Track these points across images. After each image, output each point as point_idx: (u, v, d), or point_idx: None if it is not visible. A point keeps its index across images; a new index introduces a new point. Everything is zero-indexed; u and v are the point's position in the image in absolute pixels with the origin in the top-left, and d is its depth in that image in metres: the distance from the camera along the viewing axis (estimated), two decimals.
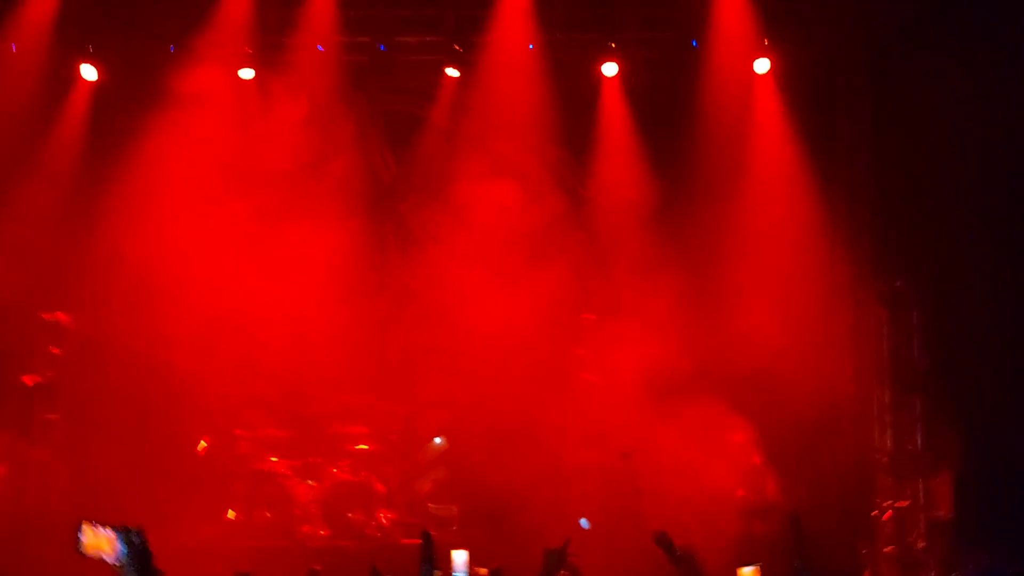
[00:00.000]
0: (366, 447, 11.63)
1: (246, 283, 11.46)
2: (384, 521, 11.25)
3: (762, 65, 12.13)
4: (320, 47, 12.05)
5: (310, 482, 11.48)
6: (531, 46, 12.08)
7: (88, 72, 12.04)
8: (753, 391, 11.15)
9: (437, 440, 11.96)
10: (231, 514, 11.38)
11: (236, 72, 12.14)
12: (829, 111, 12.25)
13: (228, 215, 11.63)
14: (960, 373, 10.70)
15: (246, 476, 11.51)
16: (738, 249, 11.70)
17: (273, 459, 11.64)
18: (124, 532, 3.06)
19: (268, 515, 11.32)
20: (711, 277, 11.75)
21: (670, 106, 12.26)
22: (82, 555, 3.19)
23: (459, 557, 7.26)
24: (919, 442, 11.51)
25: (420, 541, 10.35)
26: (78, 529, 3.21)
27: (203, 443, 11.71)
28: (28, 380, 11.40)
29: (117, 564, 3.07)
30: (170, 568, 7.97)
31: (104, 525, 3.13)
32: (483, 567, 7.00)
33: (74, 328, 11.71)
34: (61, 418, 11.60)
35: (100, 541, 3.14)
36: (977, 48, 10.09)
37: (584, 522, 11.15)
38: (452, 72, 12.45)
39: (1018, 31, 10.04)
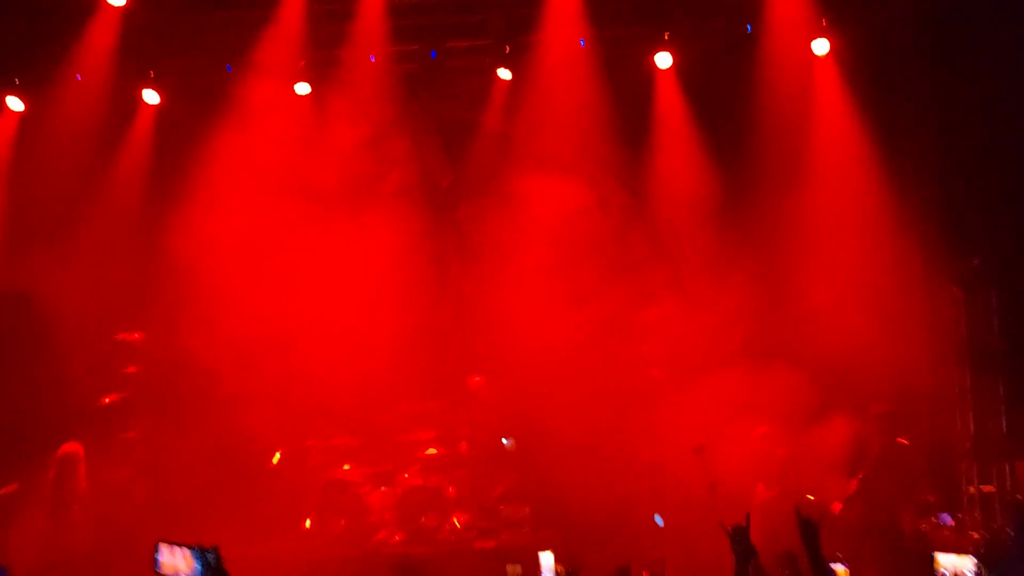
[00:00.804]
0: (435, 451, 11.67)
1: (311, 295, 11.61)
2: (457, 525, 11.27)
3: (821, 46, 11.85)
4: (372, 57, 12.12)
5: (383, 489, 11.55)
6: (582, 43, 11.98)
7: (150, 96, 12.33)
8: (829, 379, 10.89)
9: (506, 441, 11.95)
10: (307, 524, 11.51)
11: (292, 87, 12.29)
12: (889, 89, 11.92)
13: (290, 229, 11.78)
14: None
15: (320, 486, 11.63)
16: (806, 236, 11.43)
17: (346, 467, 11.75)
18: (200, 551, 3.09)
19: (343, 523, 11.42)
20: (780, 267, 11.51)
21: (727, 94, 12.06)
22: (160, 575, 3.24)
23: (546, 559, 7.27)
24: (1003, 425, 11.16)
25: (493, 544, 10.45)
26: (155, 549, 3.23)
27: (278, 455, 11.86)
28: (106, 400, 11.68)
29: None
30: None
31: (180, 544, 3.16)
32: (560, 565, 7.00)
33: (148, 347, 12.00)
34: (139, 436, 11.88)
35: (177, 560, 3.18)
36: None
37: (658, 518, 11.02)
38: (504, 74, 12.42)
39: None
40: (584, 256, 11.58)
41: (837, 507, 10.34)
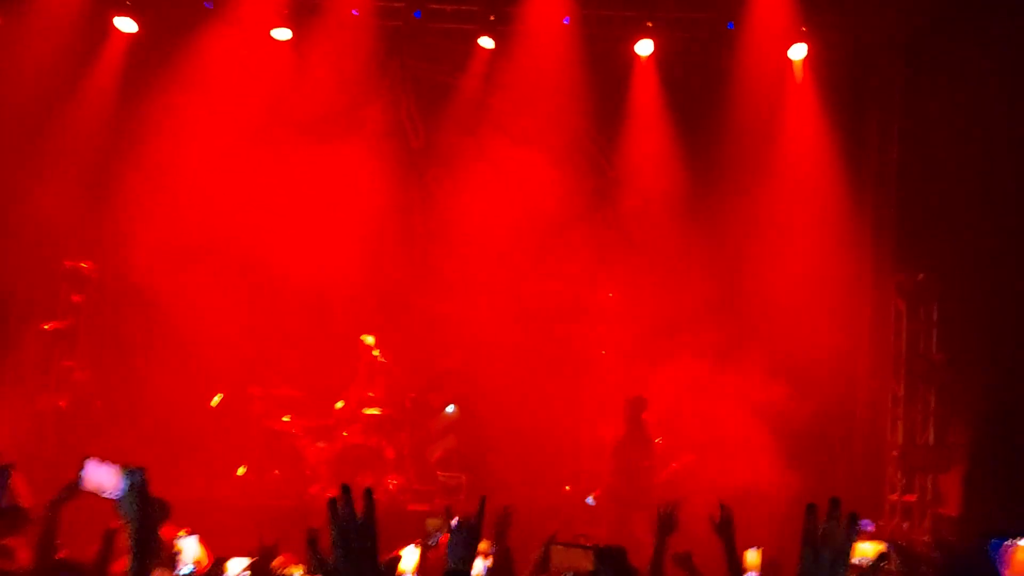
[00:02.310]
0: (379, 412, 11.66)
1: (268, 240, 11.48)
2: (392, 486, 11.29)
3: (798, 51, 12.06)
4: (355, 11, 12.01)
5: (320, 444, 11.50)
6: (566, 20, 12.02)
7: (124, 25, 12.05)
8: (772, 376, 11.13)
9: (449, 408, 11.99)
10: (241, 470, 11.45)
11: (270, 32, 12.12)
12: (860, 100, 12.21)
13: (251, 170, 11.65)
14: (975, 369, 10.69)
15: (258, 434, 11.55)
16: (765, 235, 11.70)
17: (285, 419, 11.69)
18: (127, 470, 3.09)
19: (277, 473, 11.37)
20: (738, 261, 11.75)
21: (703, 88, 12.23)
22: (82, 490, 3.22)
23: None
24: (930, 437, 11.52)
25: (426, 508, 10.50)
26: (81, 464, 3.22)
27: (218, 397, 11.75)
28: (48, 327, 11.45)
29: (117, 499, 3.09)
30: (183, 519, 8.08)
31: (108, 462, 3.16)
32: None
33: (96, 276, 11.78)
34: (79, 365, 11.67)
35: (103, 477, 3.18)
36: (1008, 42, 10.02)
37: (590, 499, 11.18)
38: (486, 42, 12.40)
39: None
40: (548, 231, 11.65)
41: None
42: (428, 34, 12.54)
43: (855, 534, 2.45)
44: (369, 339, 11.72)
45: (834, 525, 2.39)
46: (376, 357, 11.70)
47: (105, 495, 3.19)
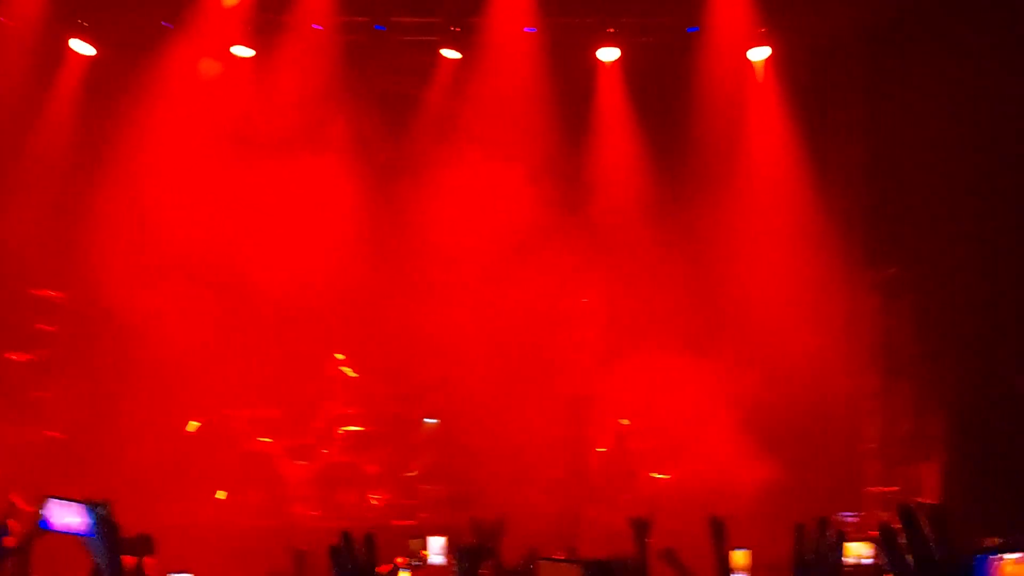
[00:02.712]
0: (358, 428, 11.59)
1: (240, 259, 11.40)
2: (375, 502, 11.23)
3: (759, 53, 12.15)
4: (317, 26, 11.95)
5: (301, 463, 11.43)
6: (529, 29, 12.03)
7: (81, 47, 11.93)
8: (747, 374, 11.20)
9: (429, 421, 11.95)
10: (221, 494, 11.33)
11: (230, 49, 12.04)
12: (824, 100, 12.32)
13: (221, 190, 11.56)
14: (950, 360, 10.80)
15: (237, 456, 11.45)
16: (736, 236, 11.78)
17: (264, 440, 11.59)
18: (91, 505, 3.03)
19: (258, 495, 11.27)
20: (710, 263, 11.81)
21: (667, 92, 12.28)
22: (47, 531, 3.12)
23: (435, 543, 7.27)
24: (909, 428, 11.62)
25: (412, 523, 10.46)
26: (42, 505, 3.11)
27: (193, 424, 11.63)
28: (17, 357, 11.28)
29: (86, 537, 3.04)
30: (164, 546, 7.98)
31: (70, 500, 3.09)
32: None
33: (65, 305, 11.63)
34: (52, 396, 11.51)
35: (69, 516, 3.10)
36: (970, 38, 10.15)
37: None
38: (449, 54, 12.39)
39: (1011, 21, 10.10)
40: (519, 240, 11.63)
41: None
42: (391, 47, 12.50)
43: (841, 550, 2.46)
44: (339, 357, 11.66)
45: (823, 544, 2.40)
46: (347, 374, 11.64)
47: (72, 532, 3.13)
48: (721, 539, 4.79)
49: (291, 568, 7.53)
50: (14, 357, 11.32)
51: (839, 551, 2.43)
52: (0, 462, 10.50)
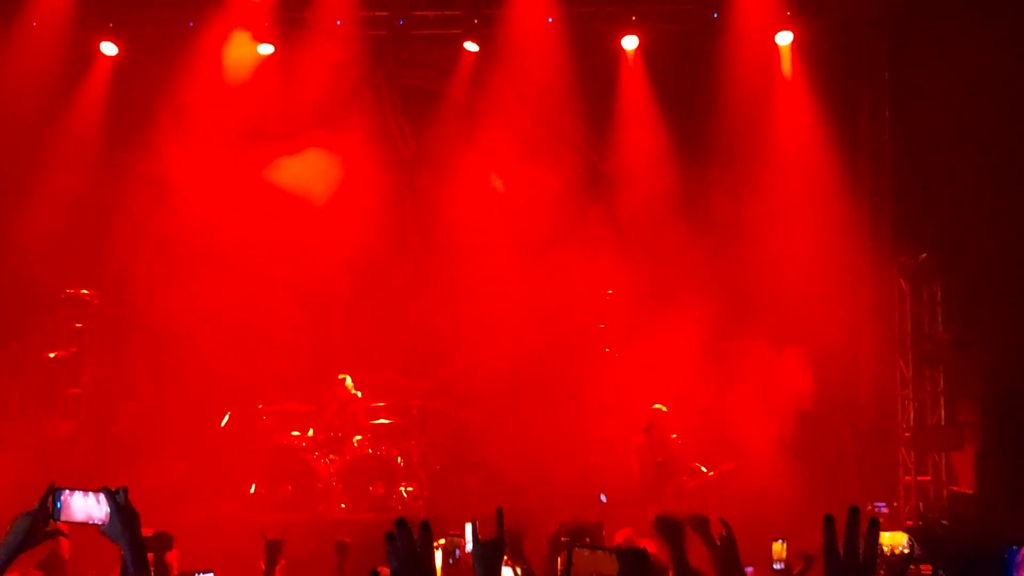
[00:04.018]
0: (386, 421, 11.64)
1: (266, 256, 11.50)
2: (404, 494, 11.27)
3: (784, 37, 12.01)
4: (339, 21, 12.00)
5: (331, 456, 11.49)
6: (550, 19, 11.98)
7: (108, 48, 12.08)
8: (777, 365, 11.08)
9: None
10: (252, 489, 11.43)
11: (255, 47, 12.13)
12: (850, 82, 12.14)
13: (247, 187, 11.66)
14: (981, 346, 10.63)
15: (268, 450, 11.54)
16: (763, 224, 11.62)
17: (295, 433, 11.67)
18: (109, 492, 2.99)
19: (289, 488, 11.34)
20: (733, 251, 11.68)
21: (691, 79, 12.17)
22: (67, 523, 3.04)
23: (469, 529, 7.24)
24: (941, 416, 11.46)
25: (439, 513, 10.48)
26: (52, 497, 2.98)
27: (227, 416, 11.74)
28: (52, 354, 11.48)
29: (105, 525, 3.00)
30: (194, 540, 8.08)
31: (86, 490, 3.02)
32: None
33: (97, 303, 11.80)
34: (84, 392, 11.69)
35: (89, 506, 3.04)
36: (997, 18, 9.96)
37: (603, 496, 11.15)
38: (470, 46, 12.38)
39: None
40: (543, 232, 11.60)
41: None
42: (413, 41, 12.52)
43: (877, 539, 2.37)
44: (346, 378, 11.64)
45: (854, 535, 2.32)
46: (353, 394, 11.63)
47: (91, 523, 3.07)
48: (678, 539, 4.67)
49: (334, 558, 7.63)
50: (50, 354, 11.52)
51: (874, 542, 2.33)
52: (34, 456, 10.72)
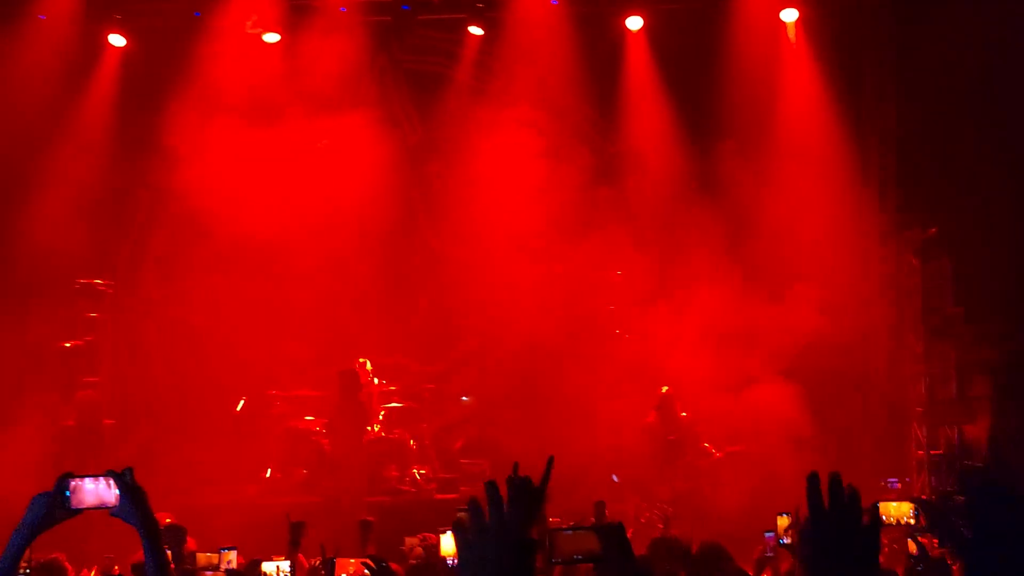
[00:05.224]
0: (399, 405, 11.72)
1: (277, 243, 11.55)
2: (417, 477, 11.35)
3: (789, 14, 11.97)
4: (343, 8, 12.02)
5: (345, 440, 11.55)
6: (555, 1, 11.98)
7: (116, 40, 12.15)
8: (789, 341, 11.09)
9: (465, 398, 12.05)
10: (268, 473, 11.54)
11: (260, 35, 12.17)
12: (855, 57, 12.11)
13: (256, 174, 11.71)
14: (993, 320, 10.61)
15: (282, 435, 11.64)
16: (770, 202, 11.60)
17: (308, 418, 11.77)
18: (117, 475, 3.05)
19: (304, 472, 11.45)
20: (742, 230, 11.68)
21: (696, 58, 12.14)
22: (77, 510, 3.08)
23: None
24: (953, 390, 11.46)
25: (454, 496, 10.56)
26: (62, 487, 3.00)
27: (242, 402, 11.85)
28: (67, 344, 11.60)
29: (117, 508, 3.06)
30: (210, 525, 8.18)
31: (95, 475, 3.08)
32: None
33: (111, 292, 11.91)
34: (99, 380, 11.82)
35: (100, 490, 3.10)
36: None
37: (614, 476, 11.21)
38: (475, 30, 12.38)
39: None
40: (552, 214, 11.63)
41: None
42: (417, 26, 12.54)
43: (859, 505, 2.35)
44: (366, 362, 11.71)
45: (837, 501, 2.29)
46: (370, 379, 11.69)
47: (101, 507, 3.14)
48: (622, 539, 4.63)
49: (359, 537, 7.75)
50: (64, 344, 11.63)
51: (854, 506, 2.31)
52: (52, 445, 10.86)
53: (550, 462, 2.87)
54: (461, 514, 2.46)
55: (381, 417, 11.62)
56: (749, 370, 10.94)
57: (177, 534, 7.05)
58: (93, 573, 7.33)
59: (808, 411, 10.76)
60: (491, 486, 2.31)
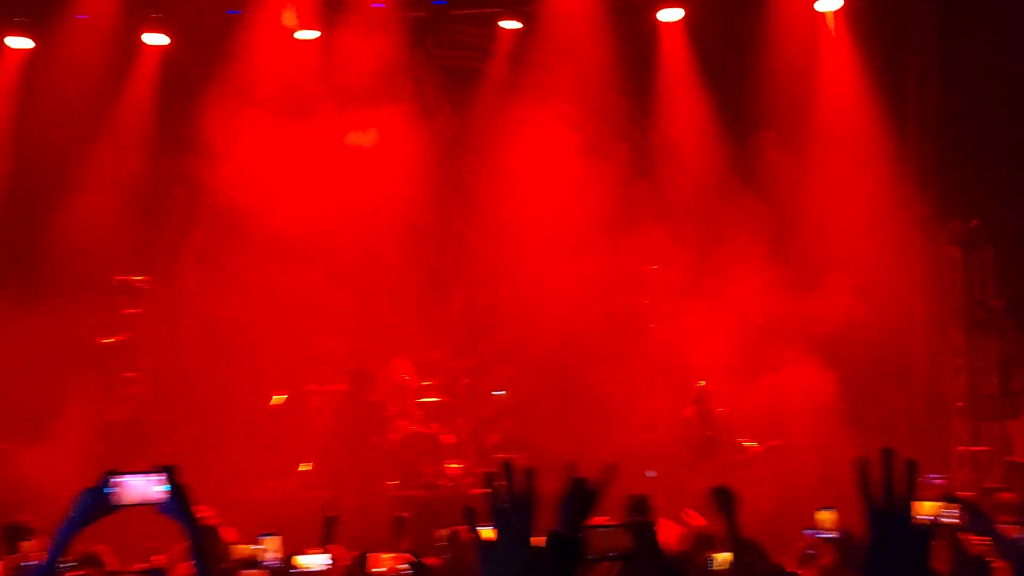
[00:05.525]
0: (435, 400, 11.75)
1: (311, 243, 11.63)
2: (453, 472, 11.37)
3: (829, 2, 11.83)
4: (378, 4, 12.05)
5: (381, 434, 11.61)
6: None
7: (154, 39, 12.27)
8: (828, 335, 10.98)
9: (499, 392, 12.05)
10: (305, 467, 11.61)
11: (295, 33, 12.23)
12: (897, 48, 11.93)
13: (291, 170, 11.79)
14: None
15: (319, 430, 11.70)
16: (809, 196, 11.49)
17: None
18: (162, 470, 3.07)
19: (340, 467, 11.49)
20: (782, 223, 11.57)
21: (734, 49, 12.04)
22: (121, 506, 3.10)
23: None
24: (995, 384, 11.28)
25: (488, 491, 10.57)
26: (104, 482, 3.02)
27: (278, 397, 11.93)
28: (107, 340, 11.75)
29: (160, 504, 3.08)
30: (248, 520, 8.24)
31: (139, 472, 3.09)
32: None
33: (149, 289, 12.05)
34: (139, 376, 11.96)
35: (144, 486, 3.12)
36: None
37: (650, 472, 11.16)
38: (509, 24, 12.36)
39: None
40: (587, 209, 11.58)
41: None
42: (452, 21, 12.55)
43: (916, 480, 2.21)
44: (401, 363, 11.72)
45: (890, 475, 2.15)
46: (407, 379, 11.71)
47: (147, 503, 3.16)
48: (729, 507, 4.65)
49: (392, 532, 7.79)
50: (102, 340, 11.79)
51: (912, 480, 2.17)
52: (94, 440, 11.01)
53: (611, 469, 2.88)
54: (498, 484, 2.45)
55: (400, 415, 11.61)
56: (785, 364, 10.84)
57: (212, 535, 7.07)
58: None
59: (839, 391, 10.66)
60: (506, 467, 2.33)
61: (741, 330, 11.01)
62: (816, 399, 10.78)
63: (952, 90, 11.49)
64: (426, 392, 11.83)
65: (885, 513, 2.18)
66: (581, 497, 2.75)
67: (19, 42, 11.95)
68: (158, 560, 7.16)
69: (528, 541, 2.38)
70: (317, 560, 6.15)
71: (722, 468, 10.72)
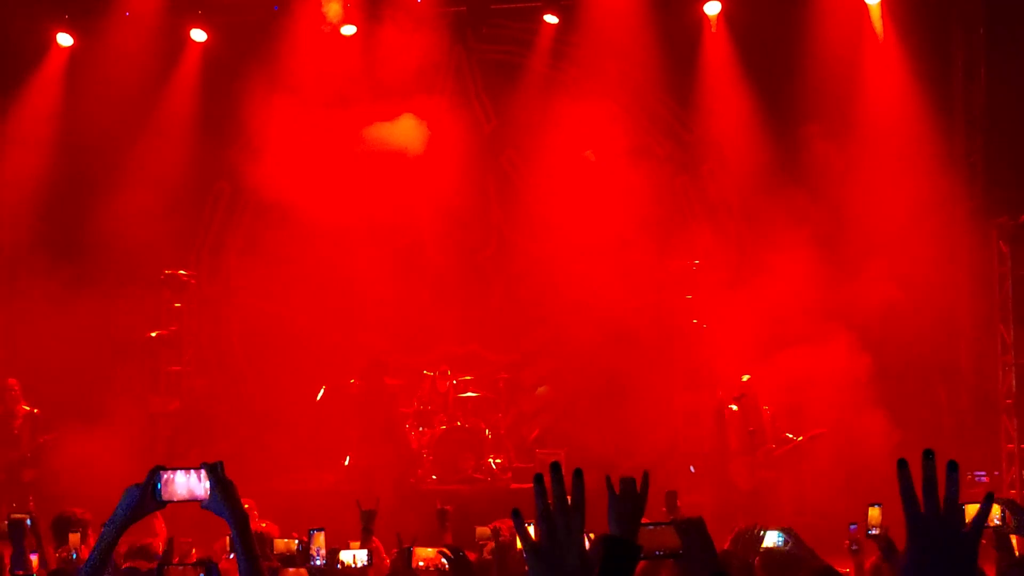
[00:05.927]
0: (475, 394, 11.78)
1: (355, 237, 11.70)
2: (493, 466, 11.40)
3: None
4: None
5: (421, 428, 11.68)
6: None
7: (198, 34, 12.41)
8: (872, 331, 10.85)
9: (541, 389, 12.06)
10: (347, 461, 11.69)
11: (338, 27, 12.29)
12: (943, 42, 11.73)
13: (333, 166, 11.86)
14: None
15: (360, 424, 11.77)
16: (855, 191, 11.34)
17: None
18: (209, 467, 3.08)
19: (382, 461, 11.56)
20: (826, 217, 11.43)
21: (777, 42, 11.91)
22: (169, 501, 3.11)
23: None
24: None
25: (527, 485, 10.59)
26: (153, 480, 3.02)
27: (322, 390, 12.01)
28: (154, 334, 11.91)
29: (206, 501, 3.09)
30: (290, 513, 8.31)
31: (186, 468, 3.10)
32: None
33: (194, 283, 12.19)
34: (185, 370, 12.12)
35: (191, 482, 3.13)
36: None
37: (692, 468, 11.12)
38: (550, 19, 12.33)
39: None
40: (628, 204, 11.53)
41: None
42: (492, 15, 12.54)
43: (956, 480, 2.16)
44: (442, 371, 11.75)
45: (931, 475, 2.10)
46: (448, 384, 11.73)
47: (193, 499, 3.18)
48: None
49: (436, 525, 7.82)
50: (149, 334, 11.95)
51: (954, 485, 2.12)
52: (141, 433, 11.18)
53: (646, 477, 2.86)
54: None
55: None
56: (828, 357, 10.72)
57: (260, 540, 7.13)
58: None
59: (885, 388, 10.54)
60: (555, 468, 2.30)
61: (784, 325, 10.90)
62: (860, 395, 10.67)
63: (1000, 82, 11.28)
64: (466, 387, 11.87)
65: (929, 519, 2.12)
66: (632, 499, 2.72)
67: (67, 39, 12.15)
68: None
69: (579, 545, 2.35)
70: (359, 555, 6.18)
71: (764, 461, 10.64)
